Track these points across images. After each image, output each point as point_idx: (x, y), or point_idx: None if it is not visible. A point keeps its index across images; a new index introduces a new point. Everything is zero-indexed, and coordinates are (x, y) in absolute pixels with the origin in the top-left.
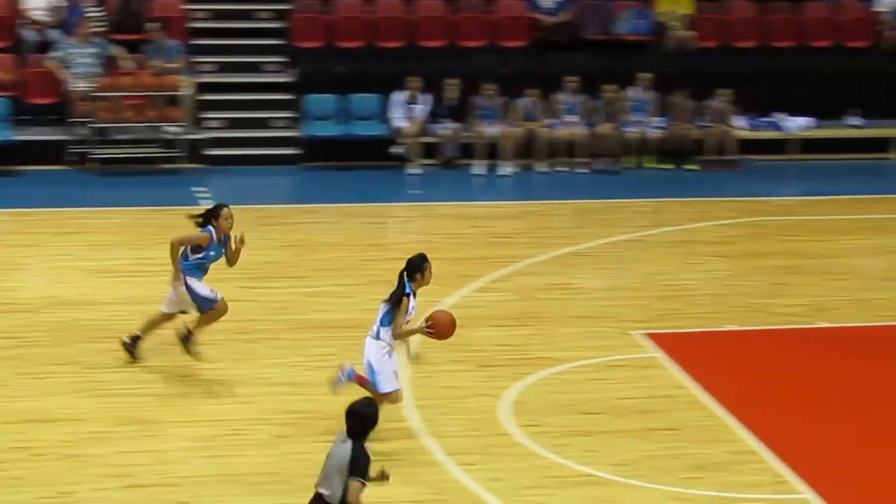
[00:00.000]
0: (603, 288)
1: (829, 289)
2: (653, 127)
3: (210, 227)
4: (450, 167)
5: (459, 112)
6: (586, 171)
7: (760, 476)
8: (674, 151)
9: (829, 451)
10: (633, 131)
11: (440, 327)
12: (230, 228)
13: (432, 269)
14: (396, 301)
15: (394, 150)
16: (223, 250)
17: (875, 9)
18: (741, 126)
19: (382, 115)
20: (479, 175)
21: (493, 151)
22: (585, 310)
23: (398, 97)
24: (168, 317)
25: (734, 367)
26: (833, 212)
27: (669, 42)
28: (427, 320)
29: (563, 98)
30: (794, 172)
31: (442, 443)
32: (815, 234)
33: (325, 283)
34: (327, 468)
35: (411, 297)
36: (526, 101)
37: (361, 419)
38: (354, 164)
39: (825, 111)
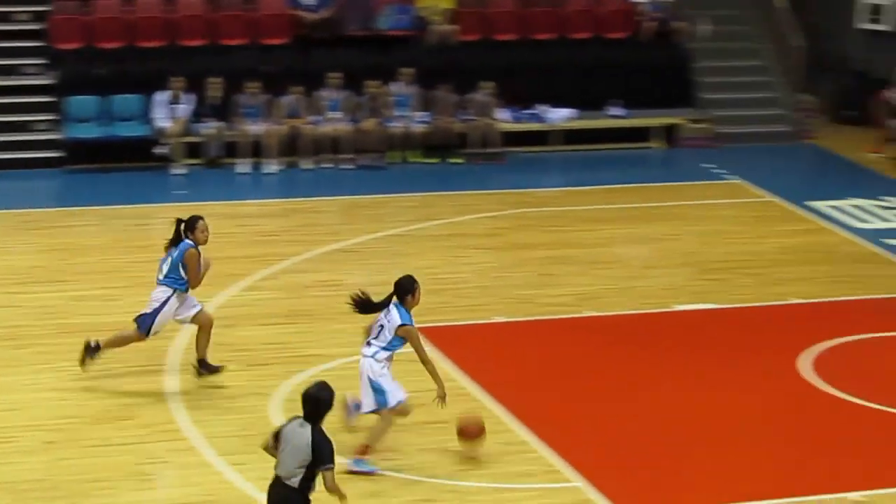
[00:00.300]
0: (371, 283)
1: (595, 278)
2: (416, 121)
3: (188, 242)
4: (214, 166)
5: (222, 111)
6: (351, 167)
7: (532, 466)
8: (438, 145)
9: (599, 439)
10: (397, 126)
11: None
12: (206, 241)
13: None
14: (407, 334)
15: (157, 150)
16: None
17: (633, 0)
18: (504, 119)
19: (145, 116)
20: (244, 174)
21: (257, 149)
22: None
23: (160, 97)
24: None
25: (504, 358)
26: (597, 202)
27: (431, 37)
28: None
29: (326, 95)
30: (558, 163)
31: (213, 443)
32: (579, 224)
33: (92, 287)
34: (285, 452)
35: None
36: (289, 99)
37: (318, 403)
38: (118, 165)
39: (587, 102)
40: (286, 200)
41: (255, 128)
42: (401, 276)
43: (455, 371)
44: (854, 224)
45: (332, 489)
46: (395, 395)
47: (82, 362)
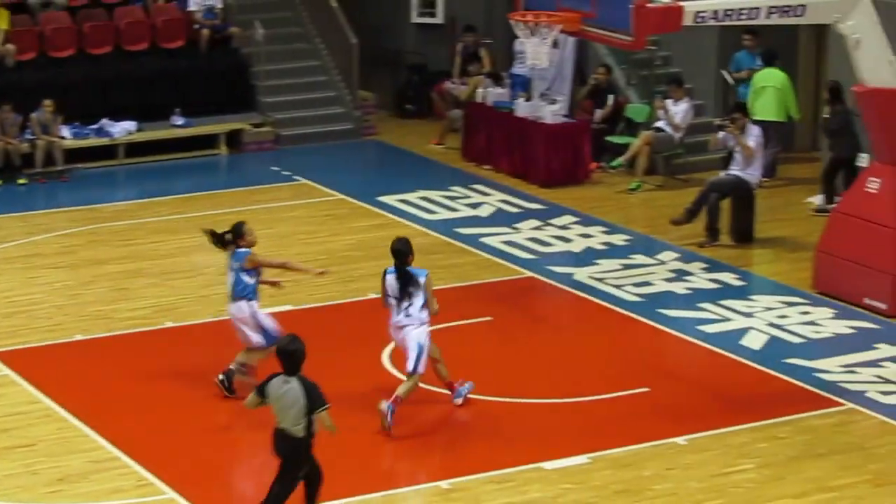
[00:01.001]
0: None
1: (171, 289)
2: None
3: (242, 250)
4: None
5: None
6: None
7: (123, 481)
8: (3, 167)
9: (187, 449)
10: None
11: None
12: (256, 241)
13: None
14: (422, 286)
15: None
16: None
17: (188, 9)
18: (66, 136)
19: None
20: None
21: None
22: None
23: None
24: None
25: (86, 376)
26: (168, 212)
27: None
28: None
29: None
30: (126, 177)
31: None
32: (153, 235)
33: None
34: (280, 407)
35: None
36: None
37: (293, 355)
38: None
39: (150, 113)
40: None
41: None
42: None
43: (38, 394)
44: (424, 216)
45: (328, 427)
46: (424, 363)
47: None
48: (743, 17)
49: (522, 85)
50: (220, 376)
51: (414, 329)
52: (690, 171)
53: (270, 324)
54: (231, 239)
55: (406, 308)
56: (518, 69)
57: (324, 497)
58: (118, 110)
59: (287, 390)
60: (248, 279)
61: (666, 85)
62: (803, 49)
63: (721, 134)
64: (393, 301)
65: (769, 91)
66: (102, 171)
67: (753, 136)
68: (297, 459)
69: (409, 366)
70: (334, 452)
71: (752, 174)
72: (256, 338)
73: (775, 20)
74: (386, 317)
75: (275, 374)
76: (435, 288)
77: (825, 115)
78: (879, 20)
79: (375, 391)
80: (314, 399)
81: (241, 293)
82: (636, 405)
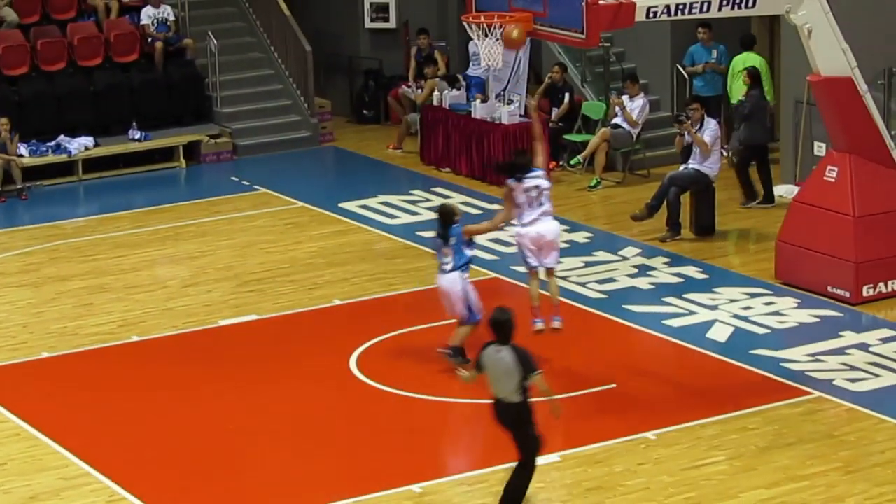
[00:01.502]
0: None
1: (135, 303)
2: None
3: (456, 227)
4: None
5: None
6: None
7: (95, 497)
8: None
9: (159, 461)
10: None
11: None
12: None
13: None
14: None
15: None
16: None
17: (141, 23)
18: (24, 154)
19: None
20: None
21: None
22: None
23: None
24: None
25: (54, 393)
26: (128, 226)
27: None
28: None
29: None
30: (85, 192)
31: None
32: (114, 250)
33: None
34: (495, 377)
35: None
36: None
37: (505, 325)
38: None
39: (106, 128)
40: None
41: None
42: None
43: (6, 413)
44: (385, 221)
45: (544, 391)
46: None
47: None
48: (695, 10)
49: (478, 86)
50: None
51: None
52: (649, 166)
53: (475, 301)
54: (450, 220)
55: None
56: (473, 71)
57: None
58: (75, 126)
59: (499, 359)
60: (468, 252)
61: (621, 82)
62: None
63: (686, 137)
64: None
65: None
66: (61, 187)
67: (709, 131)
68: (522, 422)
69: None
70: (307, 460)
71: (711, 167)
72: (462, 309)
73: (727, 13)
74: (354, 325)
75: (488, 342)
76: (398, 293)
77: (741, 98)
78: (830, 9)
79: (344, 398)
80: (527, 364)
81: (457, 265)
82: (604, 402)
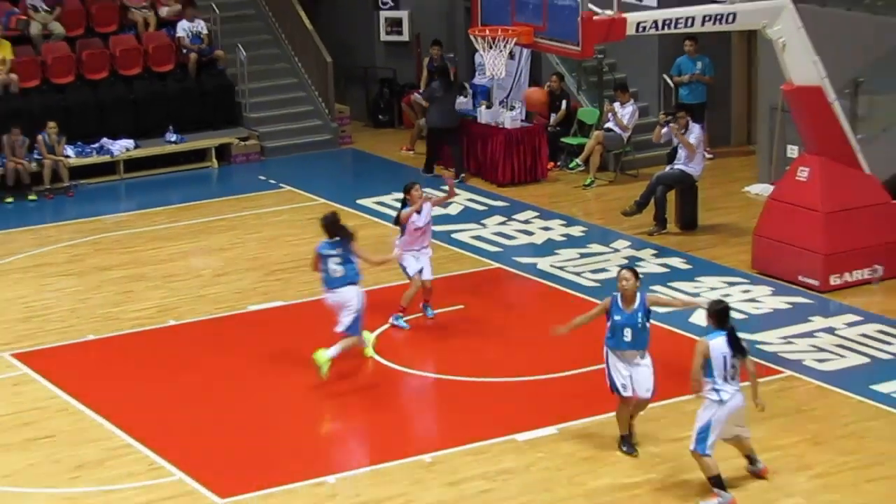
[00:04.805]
0: None
1: (171, 290)
2: None
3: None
4: None
5: None
6: None
7: (136, 467)
8: (14, 186)
9: (194, 435)
10: None
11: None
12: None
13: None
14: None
15: None
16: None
17: (177, 35)
18: (70, 155)
19: None
20: None
21: None
22: None
23: None
24: None
25: (99, 372)
26: (165, 221)
27: None
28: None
29: None
30: (126, 190)
31: None
32: (152, 243)
33: None
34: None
35: None
36: None
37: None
38: None
39: (146, 132)
40: None
41: None
42: None
43: (55, 389)
44: None
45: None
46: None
47: None
48: (680, 25)
49: (483, 94)
50: None
51: None
52: (638, 166)
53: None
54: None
55: None
56: (479, 80)
57: (318, 473)
58: (116, 130)
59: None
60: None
61: (613, 90)
62: (735, 50)
63: (664, 129)
64: None
65: None
66: (104, 185)
67: (694, 135)
68: None
69: None
70: (328, 432)
71: (695, 168)
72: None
73: (710, 27)
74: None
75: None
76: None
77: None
78: (802, 25)
79: (362, 376)
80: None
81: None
82: (598, 380)
